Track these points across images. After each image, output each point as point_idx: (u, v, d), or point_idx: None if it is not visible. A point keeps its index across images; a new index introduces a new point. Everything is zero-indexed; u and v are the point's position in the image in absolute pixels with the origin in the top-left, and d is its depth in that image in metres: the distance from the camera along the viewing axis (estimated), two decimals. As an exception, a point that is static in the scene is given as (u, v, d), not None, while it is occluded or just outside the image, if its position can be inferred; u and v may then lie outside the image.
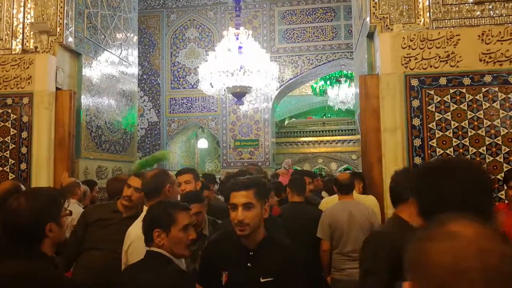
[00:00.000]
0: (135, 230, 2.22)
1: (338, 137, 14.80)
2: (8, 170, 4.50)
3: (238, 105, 8.64)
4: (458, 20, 3.95)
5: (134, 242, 2.25)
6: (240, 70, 7.40)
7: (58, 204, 1.70)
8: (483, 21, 3.90)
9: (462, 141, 3.74)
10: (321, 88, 12.81)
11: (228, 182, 2.34)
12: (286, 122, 16.53)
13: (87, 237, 2.74)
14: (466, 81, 3.79)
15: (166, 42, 10.24)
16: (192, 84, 9.99)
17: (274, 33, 9.79)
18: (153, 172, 2.61)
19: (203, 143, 13.50)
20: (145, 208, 2.37)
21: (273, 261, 1.89)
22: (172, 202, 2.01)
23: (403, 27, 4.00)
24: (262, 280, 1.86)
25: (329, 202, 3.97)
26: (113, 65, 5.89)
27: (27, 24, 4.71)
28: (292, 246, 2.03)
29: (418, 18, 4.01)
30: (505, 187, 3.37)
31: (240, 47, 7.54)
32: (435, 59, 3.85)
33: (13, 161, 4.49)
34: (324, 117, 17.03)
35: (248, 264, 1.90)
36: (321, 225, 3.50)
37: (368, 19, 4.19)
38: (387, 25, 4.04)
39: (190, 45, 10.15)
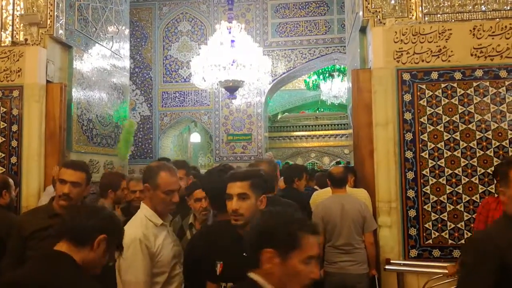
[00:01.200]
0: (132, 231, 2.02)
1: (331, 132, 14.85)
2: (-2, 164, 4.45)
3: (231, 99, 8.62)
4: (450, 14, 3.96)
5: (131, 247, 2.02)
6: (232, 64, 7.38)
7: None
8: (475, 16, 3.92)
9: (453, 135, 3.76)
10: (314, 82, 12.81)
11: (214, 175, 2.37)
12: (279, 116, 16.54)
13: (29, 255, 2.25)
14: (458, 75, 3.81)
15: (158, 35, 10.16)
16: (185, 77, 9.94)
17: (267, 27, 9.76)
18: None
19: (195, 137, 13.47)
20: (143, 205, 2.22)
21: None
22: (298, 218, 1.41)
23: (396, 21, 4.01)
24: None
25: (320, 195, 3.99)
26: (105, 58, 5.84)
27: (17, 16, 4.64)
28: None
29: (411, 12, 4.02)
30: (495, 181, 3.41)
31: (232, 41, 7.51)
32: (427, 53, 3.87)
33: (3, 155, 4.45)
34: (317, 112, 17.05)
35: (244, 254, 1.92)
36: (314, 218, 3.52)
37: (361, 13, 4.19)
38: (379, 19, 4.05)
39: (182, 39, 10.09)
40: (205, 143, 14.83)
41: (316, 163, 14.94)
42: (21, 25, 4.62)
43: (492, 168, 3.59)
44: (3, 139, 4.47)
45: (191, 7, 10.07)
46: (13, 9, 4.65)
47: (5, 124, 4.48)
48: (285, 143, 15.03)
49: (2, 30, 4.65)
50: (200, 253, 2.08)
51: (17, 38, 4.62)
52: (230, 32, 7.57)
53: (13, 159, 4.44)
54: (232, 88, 7.83)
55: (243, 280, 1.44)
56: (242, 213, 1.91)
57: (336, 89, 12.05)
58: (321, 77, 12.40)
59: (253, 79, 7.72)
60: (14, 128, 4.47)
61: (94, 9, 5.57)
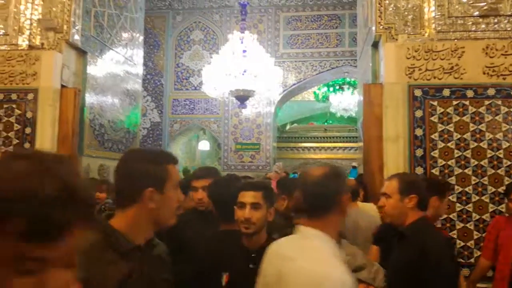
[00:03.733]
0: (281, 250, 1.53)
1: (340, 144, 14.78)
2: (10, 165, 4.51)
3: (241, 108, 8.66)
4: (463, 32, 3.97)
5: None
6: (243, 74, 7.43)
7: None
8: (488, 35, 3.92)
9: (463, 153, 3.75)
10: (323, 94, 12.84)
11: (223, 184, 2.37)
12: (288, 127, 16.55)
13: None
14: (470, 93, 3.81)
15: (171, 43, 10.28)
16: (195, 86, 10.02)
17: (279, 38, 9.83)
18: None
19: (204, 145, 13.52)
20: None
21: None
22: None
23: (408, 37, 4.02)
24: None
25: None
26: (118, 64, 5.92)
27: (34, 21, 4.73)
28: None
29: (423, 29, 4.03)
30: (506, 200, 3.38)
31: (244, 51, 7.57)
32: (439, 70, 3.87)
33: (15, 157, 4.50)
34: (326, 124, 17.04)
35: (250, 266, 1.93)
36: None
37: (373, 28, 4.21)
38: (392, 35, 4.06)
39: (194, 47, 10.19)
40: (213, 151, 14.86)
41: (323, 175, 14.87)
42: (38, 29, 4.71)
43: (503, 187, 3.56)
44: (17, 141, 4.53)
45: (204, 16, 10.18)
46: (31, 14, 4.74)
47: (19, 127, 4.55)
48: (293, 154, 15.00)
49: (19, 33, 4.74)
50: (206, 264, 2.08)
51: (33, 42, 4.70)
52: (242, 42, 7.64)
53: (25, 161, 4.49)
54: (242, 97, 7.87)
55: None
56: (254, 222, 1.93)
57: (346, 102, 12.06)
58: (331, 89, 12.42)
59: (264, 89, 7.76)
60: (28, 130, 4.53)
61: (109, 16, 5.66)
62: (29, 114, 4.55)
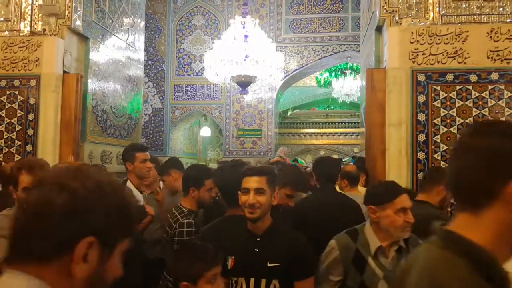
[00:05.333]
0: None
1: (341, 130, 14.80)
2: (14, 152, 4.53)
3: (243, 94, 8.65)
4: (467, 16, 3.94)
5: None
6: (245, 59, 7.40)
7: None
8: (493, 18, 3.89)
9: (466, 138, 3.75)
10: (325, 79, 12.78)
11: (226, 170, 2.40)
12: (289, 112, 16.52)
13: None
14: (473, 78, 3.80)
15: (172, 28, 10.20)
16: (197, 71, 9.99)
17: (281, 23, 9.75)
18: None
19: (206, 131, 13.52)
20: None
21: (280, 247, 1.96)
22: None
23: (412, 21, 4.00)
24: (269, 265, 1.92)
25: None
26: (120, 50, 5.89)
27: (36, 6, 4.70)
28: (299, 235, 2.10)
29: (427, 13, 4.00)
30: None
31: (246, 36, 7.53)
32: (443, 55, 3.86)
33: (19, 143, 4.53)
34: (328, 109, 17.00)
35: (256, 249, 1.96)
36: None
37: (377, 12, 4.18)
38: (396, 19, 4.04)
39: (196, 32, 10.12)
40: (214, 137, 14.88)
41: (325, 161, 14.90)
42: (40, 15, 4.68)
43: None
44: (20, 127, 4.54)
45: (205, 1, 10.09)
46: (32, 0, 4.71)
47: (22, 113, 4.56)
48: (294, 140, 15.02)
49: (21, 19, 4.71)
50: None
51: (35, 28, 4.68)
52: (244, 27, 7.59)
53: (29, 147, 4.51)
54: (244, 83, 7.85)
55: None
56: (259, 207, 1.95)
57: (348, 87, 12.02)
58: (333, 74, 12.37)
59: (266, 75, 7.74)
60: (31, 116, 4.54)
61: (111, 1, 5.62)
62: (31, 100, 4.55)
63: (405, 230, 2.02)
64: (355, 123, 14.47)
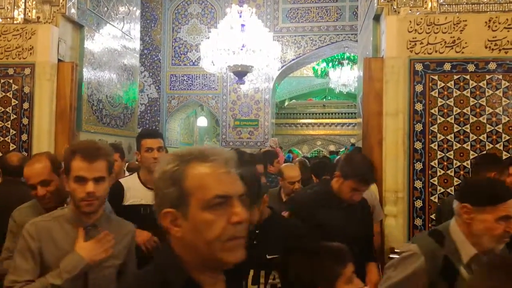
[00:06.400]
0: None
1: (338, 120, 14.82)
2: (9, 141, 4.50)
3: (239, 84, 8.61)
4: (465, 5, 3.91)
5: None
6: (242, 49, 7.35)
7: None
8: (491, 8, 3.86)
9: (463, 128, 3.75)
10: (322, 70, 12.74)
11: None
12: (286, 103, 16.49)
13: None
14: (471, 67, 3.78)
15: (168, 17, 10.11)
16: (193, 61, 9.92)
17: (278, 12, 9.67)
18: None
19: (202, 121, 13.49)
20: None
21: (279, 239, 1.94)
22: None
23: (410, 10, 3.96)
24: (268, 257, 1.90)
25: None
26: (115, 38, 5.83)
27: (29, -7, 4.63)
28: (298, 225, 2.08)
29: (426, 2, 3.97)
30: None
31: (243, 25, 7.47)
32: (441, 44, 3.83)
33: (14, 132, 4.49)
34: (325, 100, 16.99)
35: (254, 242, 1.95)
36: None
37: (375, 0, 4.14)
38: (394, 8, 4.00)
39: (192, 21, 10.03)
40: (211, 127, 14.86)
41: (322, 151, 14.94)
42: (34, 2, 4.61)
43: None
44: (15, 116, 4.50)
45: (202, -11, 9.99)
46: (26, -14, 4.64)
47: (17, 102, 4.52)
48: (291, 130, 15.02)
49: (15, 7, 4.64)
50: None
51: (29, 16, 4.61)
52: (240, 16, 7.53)
53: (24, 137, 4.48)
54: (241, 73, 7.81)
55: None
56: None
57: (345, 77, 11.99)
58: (330, 64, 12.33)
59: (262, 65, 7.70)
60: (25, 106, 4.50)
61: (106, -12, 5.55)
62: (26, 89, 4.51)
63: (502, 241, 1.68)
64: (352, 113, 14.48)
